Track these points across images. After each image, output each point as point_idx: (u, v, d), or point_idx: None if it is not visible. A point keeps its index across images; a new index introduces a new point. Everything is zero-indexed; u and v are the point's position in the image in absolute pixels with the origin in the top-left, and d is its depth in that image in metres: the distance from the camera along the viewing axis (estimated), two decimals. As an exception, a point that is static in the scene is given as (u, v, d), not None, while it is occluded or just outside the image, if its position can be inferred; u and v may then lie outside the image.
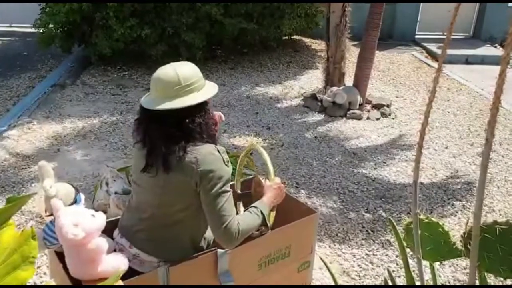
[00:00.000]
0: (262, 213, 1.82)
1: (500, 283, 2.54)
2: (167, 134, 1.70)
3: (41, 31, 6.54)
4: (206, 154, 1.71)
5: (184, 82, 1.72)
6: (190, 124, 1.71)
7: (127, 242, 1.85)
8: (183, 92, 1.72)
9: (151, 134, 1.74)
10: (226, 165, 1.75)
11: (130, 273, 1.76)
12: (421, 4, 9.45)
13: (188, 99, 1.72)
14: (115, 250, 1.87)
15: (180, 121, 1.71)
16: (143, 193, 1.84)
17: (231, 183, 1.80)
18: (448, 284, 2.83)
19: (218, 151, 1.75)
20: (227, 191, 1.74)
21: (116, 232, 1.94)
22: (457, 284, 2.83)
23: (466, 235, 1.21)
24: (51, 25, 6.45)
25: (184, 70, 1.76)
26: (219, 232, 1.71)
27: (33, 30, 6.77)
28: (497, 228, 1.10)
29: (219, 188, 1.71)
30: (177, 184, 1.73)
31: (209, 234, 1.88)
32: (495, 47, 9.17)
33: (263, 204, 1.87)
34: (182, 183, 1.72)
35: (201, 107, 1.76)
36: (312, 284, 2.46)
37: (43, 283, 2.63)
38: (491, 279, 2.52)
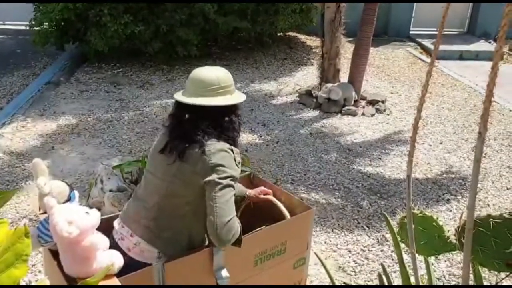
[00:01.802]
0: None
1: (494, 277, 2.56)
2: (199, 128, 1.79)
3: (36, 29, 6.49)
4: (220, 150, 1.78)
5: (221, 83, 1.85)
6: (224, 123, 1.84)
7: (128, 231, 1.87)
8: (219, 93, 1.84)
9: (184, 123, 1.83)
10: (237, 165, 1.82)
11: (130, 263, 1.77)
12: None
13: (226, 98, 1.85)
14: (111, 247, 1.87)
15: (214, 118, 1.82)
16: (153, 181, 1.88)
17: None
18: (443, 280, 2.84)
19: (232, 150, 1.82)
20: (231, 189, 1.76)
21: (117, 222, 1.95)
22: (452, 279, 2.84)
23: (460, 229, 1.22)
24: (45, 24, 6.41)
25: (221, 73, 1.89)
26: (219, 227, 1.69)
27: (26, 28, 6.72)
28: (491, 222, 1.11)
29: (225, 183, 1.74)
30: (188, 175, 1.79)
31: (203, 232, 1.90)
32: (490, 42, 9.19)
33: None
34: (192, 173, 1.78)
35: (234, 108, 1.90)
36: (308, 283, 2.46)
37: (38, 281, 2.62)
38: (486, 274, 2.54)
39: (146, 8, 6.50)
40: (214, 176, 1.73)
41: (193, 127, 1.81)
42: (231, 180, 1.76)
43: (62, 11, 6.15)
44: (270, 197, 2.23)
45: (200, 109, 1.81)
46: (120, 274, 1.69)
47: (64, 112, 5.21)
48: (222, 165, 1.75)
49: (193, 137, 1.78)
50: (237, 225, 1.75)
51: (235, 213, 1.77)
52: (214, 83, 1.83)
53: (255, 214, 2.36)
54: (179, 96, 1.87)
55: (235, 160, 1.81)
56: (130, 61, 6.98)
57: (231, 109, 1.89)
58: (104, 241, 1.82)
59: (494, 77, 0.74)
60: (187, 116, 1.84)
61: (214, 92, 1.83)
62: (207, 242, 1.95)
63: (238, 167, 1.82)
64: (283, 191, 2.41)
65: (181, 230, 1.85)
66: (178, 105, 1.89)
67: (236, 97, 1.92)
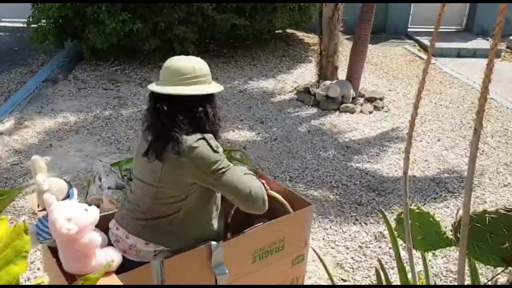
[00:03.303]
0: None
1: (491, 272, 2.57)
2: (174, 121, 1.73)
3: (34, 26, 6.48)
4: (192, 147, 1.73)
5: (198, 72, 1.79)
6: (200, 113, 1.77)
7: (124, 233, 1.86)
8: (195, 82, 1.78)
9: (159, 116, 1.75)
10: (215, 150, 1.76)
11: (126, 264, 1.77)
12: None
13: (202, 87, 1.79)
14: (110, 244, 1.87)
15: (191, 108, 1.77)
16: (140, 186, 1.86)
17: None
18: (441, 276, 2.86)
19: (204, 138, 1.76)
20: (227, 168, 1.78)
21: (112, 223, 1.95)
22: (449, 275, 2.86)
23: (456, 225, 1.23)
24: (43, 21, 6.39)
25: (197, 62, 1.83)
26: (250, 204, 1.85)
27: (24, 25, 6.70)
28: (487, 217, 1.12)
29: (216, 168, 1.75)
30: (173, 177, 1.77)
31: (217, 225, 1.94)
32: (487, 40, 9.21)
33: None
34: (176, 175, 1.76)
35: (212, 98, 1.84)
36: (306, 280, 2.47)
37: (36, 278, 2.62)
38: (482, 269, 2.55)
39: (144, 6, 6.49)
40: (204, 175, 1.75)
41: (169, 120, 1.73)
42: (220, 165, 1.76)
43: (60, 9, 6.13)
44: (270, 191, 2.22)
45: (175, 99, 1.74)
46: (117, 273, 1.70)
47: (62, 110, 5.20)
48: (205, 161, 1.73)
49: (169, 133, 1.72)
50: (260, 188, 1.87)
51: (248, 180, 1.86)
52: (190, 71, 1.77)
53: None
54: (153, 87, 1.80)
55: (211, 147, 1.75)
56: (128, 58, 6.98)
57: (210, 99, 1.83)
58: (103, 238, 1.83)
59: (489, 74, 0.75)
60: (163, 107, 1.75)
61: (189, 81, 1.77)
62: (223, 233, 2.00)
63: (218, 150, 1.78)
64: (283, 187, 2.41)
65: (185, 226, 1.85)
66: (153, 96, 1.81)
67: (212, 87, 1.85)
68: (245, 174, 1.96)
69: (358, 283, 2.77)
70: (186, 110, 1.76)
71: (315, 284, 2.72)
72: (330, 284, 2.52)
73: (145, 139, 1.83)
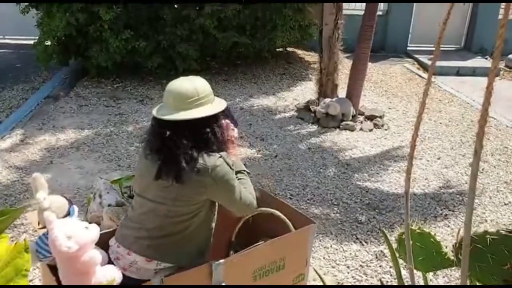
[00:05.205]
0: (245, 171, 2.09)
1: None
2: (184, 144, 1.76)
3: (39, 46, 6.51)
4: (215, 166, 1.79)
5: (200, 94, 1.81)
6: (207, 134, 1.81)
7: (124, 250, 1.86)
8: (199, 104, 1.81)
9: (168, 144, 1.78)
10: (231, 167, 1.88)
11: (126, 282, 1.76)
12: (413, 16, 9.57)
13: (206, 108, 1.82)
14: (110, 262, 1.87)
15: (197, 130, 1.80)
16: (148, 205, 1.86)
17: None
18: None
19: (222, 157, 1.83)
20: (236, 183, 1.90)
21: (112, 241, 1.95)
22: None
23: (457, 245, 1.22)
24: (48, 42, 6.43)
25: (199, 83, 1.86)
26: (243, 212, 2.05)
27: (26, 42, 6.75)
28: (488, 238, 1.11)
29: (232, 185, 1.86)
30: (190, 195, 1.80)
31: (210, 237, 2.01)
32: (486, 58, 9.28)
33: (240, 166, 2.08)
34: (195, 194, 1.81)
35: (217, 117, 1.87)
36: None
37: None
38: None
39: (147, 24, 6.56)
40: (221, 191, 1.85)
41: (180, 144, 1.76)
42: (233, 181, 1.87)
43: (65, 28, 6.17)
44: (272, 210, 2.22)
45: (183, 124, 1.77)
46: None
47: (63, 126, 5.22)
48: (223, 176, 1.82)
49: (183, 157, 1.74)
50: (252, 198, 1.99)
51: (245, 191, 1.96)
52: (193, 94, 1.79)
53: (254, 230, 2.36)
54: (159, 113, 1.81)
55: (228, 165, 1.85)
56: (129, 75, 7.02)
57: (215, 118, 1.86)
58: (103, 256, 1.82)
59: (489, 96, 0.76)
60: (169, 133, 1.77)
61: (194, 104, 1.79)
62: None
63: (233, 168, 1.89)
64: (285, 204, 2.39)
65: (188, 241, 1.87)
66: (157, 120, 1.83)
67: (216, 107, 1.88)
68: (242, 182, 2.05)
69: (359, 303, 2.74)
70: (193, 133, 1.79)
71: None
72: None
73: (152, 160, 1.83)
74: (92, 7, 6.17)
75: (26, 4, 6.60)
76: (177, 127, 1.78)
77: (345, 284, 2.89)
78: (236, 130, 2.07)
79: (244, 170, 2.07)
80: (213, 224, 2.00)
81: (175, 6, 6.71)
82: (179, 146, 1.76)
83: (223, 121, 1.96)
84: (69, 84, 6.73)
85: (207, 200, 1.87)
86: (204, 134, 1.81)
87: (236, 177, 1.97)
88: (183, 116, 1.76)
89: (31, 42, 6.77)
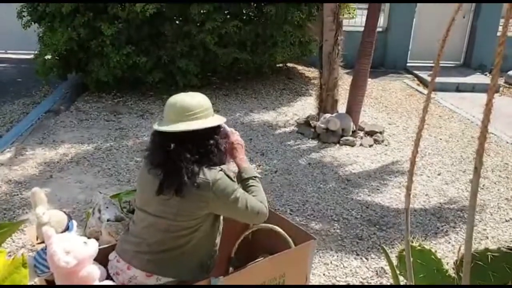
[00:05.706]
0: (256, 177, 2.05)
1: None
2: (187, 158, 1.77)
3: (39, 60, 6.55)
4: (215, 179, 1.80)
5: (201, 107, 1.85)
6: (211, 146, 1.83)
7: (124, 265, 1.85)
8: (200, 116, 1.83)
9: (172, 157, 1.79)
10: (232, 180, 1.88)
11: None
12: (412, 33, 9.64)
13: (207, 120, 1.85)
14: (108, 277, 1.85)
15: (201, 143, 1.82)
16: (149, 219, 1.86)
17: None
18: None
19: (222, 170, 1.85)
20: (239, 194, 1.87)
21: (112, 256, 1.94)
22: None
23: (458, 263, 1.21)
24: (49, 56, 6.47)
25: (199, 98, 1.89)
26: (255, 221, 2.00)
27: (28, 56, 6.80)
28: (489, 255, 1.11)
29: (235, 197, 1.84)
30: (191, 210, 1.80)
31: (215, 251, 2.00)
32: (485, 75, 9.33)
33: (251, 171, 2.05)
34: (196, 209, 1.81)
35: (217, 130, 1.91)
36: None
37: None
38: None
39: (148, 39, 6.61)
40: (222, 204, 1.84)
41: (183, 157, 1.77)
42: (236, 193, 1.85)
43: (66, 42, 6.22)
44: (272, 226, 2.21)
45: (185, 136, 1.79)
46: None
47: (64, 141, 5.22)
48: (224, 189, 1.81)
49: (185, 171, 1.76)
50: (263, 207, 1.93)
51: (255, 200, 1.92)
52: (194, 107, 1.83)
53: (253, 245, 2.35)
54: (160, 126, 1.83)
55: (229, 177, 1.85)
56: (130, 90, 7.05)
57: (216, 130, 1.89)
58: (101, 271, 1.81)
59: (488, 113, 0.76)
60: (173, 145, 1.79)
61: (195, 116, 1.82)
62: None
63: (234, 180, 1.89)
64: (285, 219, 2.38)
65: (191, 253, 1.86)
66: (158, 135, 1.85)
67: (217, 119, 1.92)
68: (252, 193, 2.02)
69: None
70: (197, 145, 1.80)
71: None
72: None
73: (154, 174, 1.83)
74: (94, 22, 6.23)
75: (28, 18, 6.65)
76: (181, 140, 1.79)
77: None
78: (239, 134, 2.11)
79: (256, 176, 2.04)
80: (218, 238, 1.99)
81: (177, 22, 6.77)
82: (182, 159, 1.77)
83: (228, 129, 2.01)
84: (70, 98, 6.76)
85: (209, 214, 1.86)
86: (208, 146, 1.82)
87: (247, 184, 1.98)
88: (184, 127, 1.78)
89: (33, 56, 6.82)
